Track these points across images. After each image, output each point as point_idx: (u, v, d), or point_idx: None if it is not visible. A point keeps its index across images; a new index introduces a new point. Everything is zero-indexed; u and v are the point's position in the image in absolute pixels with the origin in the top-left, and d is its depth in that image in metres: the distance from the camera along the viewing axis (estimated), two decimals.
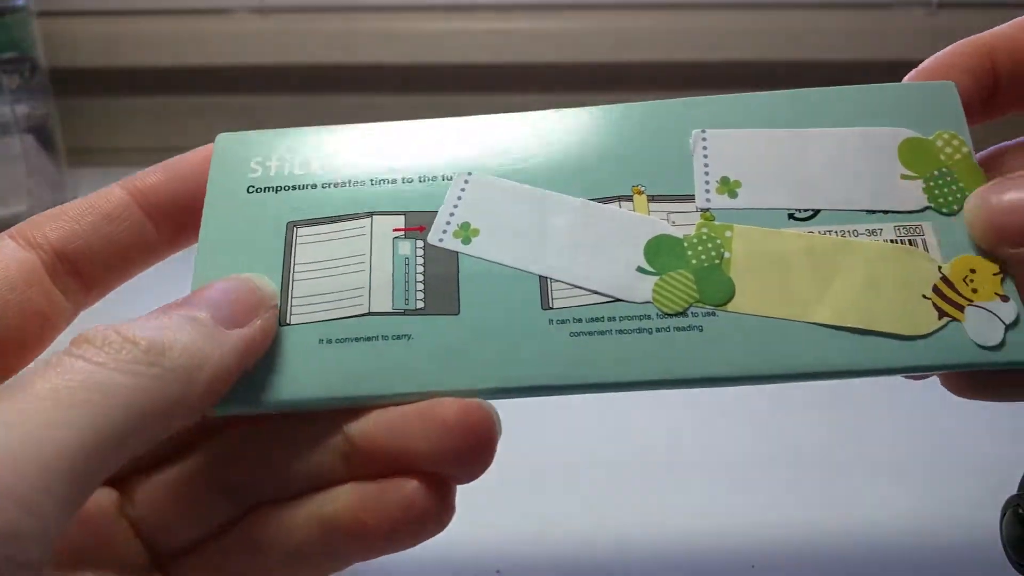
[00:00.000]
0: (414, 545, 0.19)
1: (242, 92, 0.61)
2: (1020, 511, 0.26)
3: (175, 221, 0.22)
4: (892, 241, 0.21)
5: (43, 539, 0.15)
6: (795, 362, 0.19)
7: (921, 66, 0.23)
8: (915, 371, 0.20)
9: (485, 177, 0.21)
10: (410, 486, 0.19)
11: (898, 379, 0.38)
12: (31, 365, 0.17)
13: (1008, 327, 0.19)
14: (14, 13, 0.51)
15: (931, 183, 0.21)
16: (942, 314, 0.20)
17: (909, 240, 0.21)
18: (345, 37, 0.58)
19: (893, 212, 0.21)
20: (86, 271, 0.21)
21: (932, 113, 0.22)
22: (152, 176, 0.21)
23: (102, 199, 0.21)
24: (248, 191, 0.21)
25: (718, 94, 0.23)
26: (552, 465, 0.32)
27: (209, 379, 0.18)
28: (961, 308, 0.20)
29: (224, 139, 0.22)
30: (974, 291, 0.20)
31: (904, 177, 0.21)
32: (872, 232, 0.21)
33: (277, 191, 0.21)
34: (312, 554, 0.19)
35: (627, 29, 0.57)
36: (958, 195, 0.21)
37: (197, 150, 0.22)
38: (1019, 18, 0.22)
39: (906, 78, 0.22)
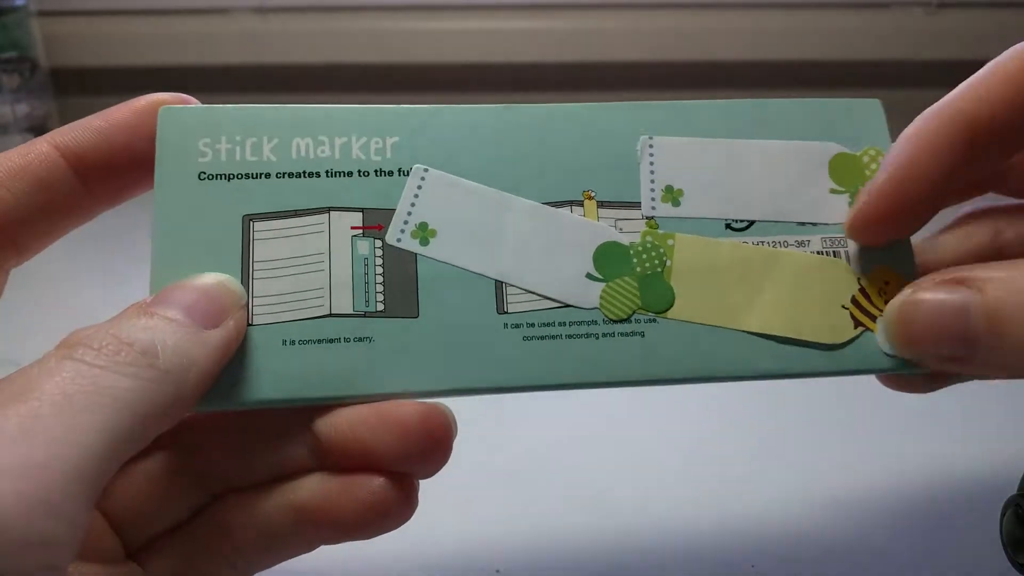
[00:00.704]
0: (379, 535, 0.20)
1: (242, 92, 0.61)
2: (1020, 511, 0.26)
3: (106, 181, 0.21)
4: (819, 252, 0.22)
5: (72, 544, 0.15)
6: (727, 367, 0.21)
7: (897, 149, 0.21)
8: (835, 375, 0.21)
9: (441, 175, 0.21)
10: (375, 483, 0.19)
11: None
12: (28, 367, 0.16)
13: None
14: (14, 13, 0.51)
15: (856, 197, 0.22)
16: (857, 323, 0.21)
17: (833, 252, 0.22)
18: (345, 37, 0.58)
19: (821, 224, 0.22)
20: (20, 240, 0.20)
21: (861, 129, 0.23)
22: (82, 134, 0.21)
23: (33, 161, 0.20)
24: (199, 178, 0.20)
25: (716, 96, 0.23)
26: (552, 465, 0.32)
27: (197, 380, 0.18)
28: (874, 318, 0.21)
29: (167, 113, 0.21)
30: (886, 302, 0.21)
31: (832, 191, 0.22)
32: (801, 243, 0.22)
33: (230, 179, 0.21)
34: (280, 537, 0.20)
35: (627, 29, 0.57)
36: None
37: (126, 104, 0.21)
38: (979, 78, 0.21)
39: (881, 168, 0.21)
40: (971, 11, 0.56)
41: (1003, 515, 0.26)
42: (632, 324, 0.21)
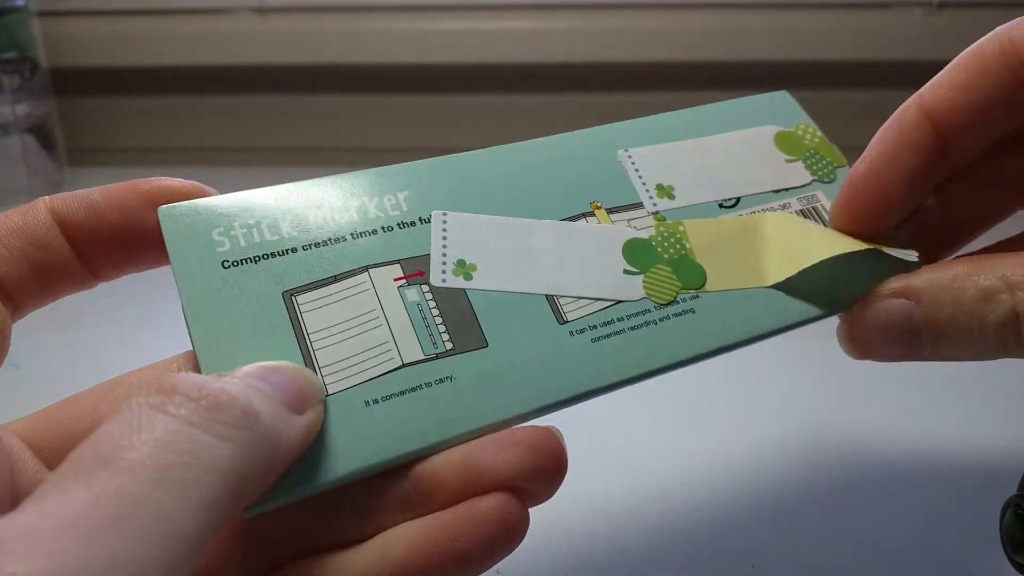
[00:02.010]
0: (497, 560, 0.18)
1: (242, 92, 0.61)
2: (1020, 511, 0.26)
3: (98, 255, 0.20)
4: (800, 211, 0.25)
5: None
6: (771, 322, 0.22)
7: (869, 155, 0.23)
8: (848, 306, 0.23)
9: (460, 215, 0.22)
10: (496, 498, 0.18)
11: (895, 378, 0.38)
12: (115, 419, 0.14)
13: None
14: (14, 13, 0.51)
15: (808, 162, 0.26)
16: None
17: (812, 207, 0.25)
18: (345, 37, 0.58)
19: (792, 188, 0.26)
20: (16, 297, 0.20)
21: (783, 113, 0.27)
22: (75, 205, 0.20)
23: (31, 220, 0.20)
24: (224, 266, 0.20)
25: (717, 96, 0.25)
26: None
27: (283, 459, 0.16)
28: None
29: (167, 212, 0.20)
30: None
31: (788, 161, 0.26)
32: (784, 206, 0.25)
33: (256, 261, 0.20)
34: None
35: (627, 29, 0.57)
36: (830, 167, 0.26)
37: (128, 184, 0.20)
38: (953, 67, 0.22)
39: (853, 169, 0.23)
40: (971, 11, 0.56)
41: (1003, 515, 0.26)
42: (680, 304, 0.22)
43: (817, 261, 0.22)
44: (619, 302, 0.22)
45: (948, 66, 0.22)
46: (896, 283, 0.22)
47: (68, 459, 0.14)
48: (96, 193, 0.20)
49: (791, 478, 0.32)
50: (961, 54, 0.22)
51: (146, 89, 0.61)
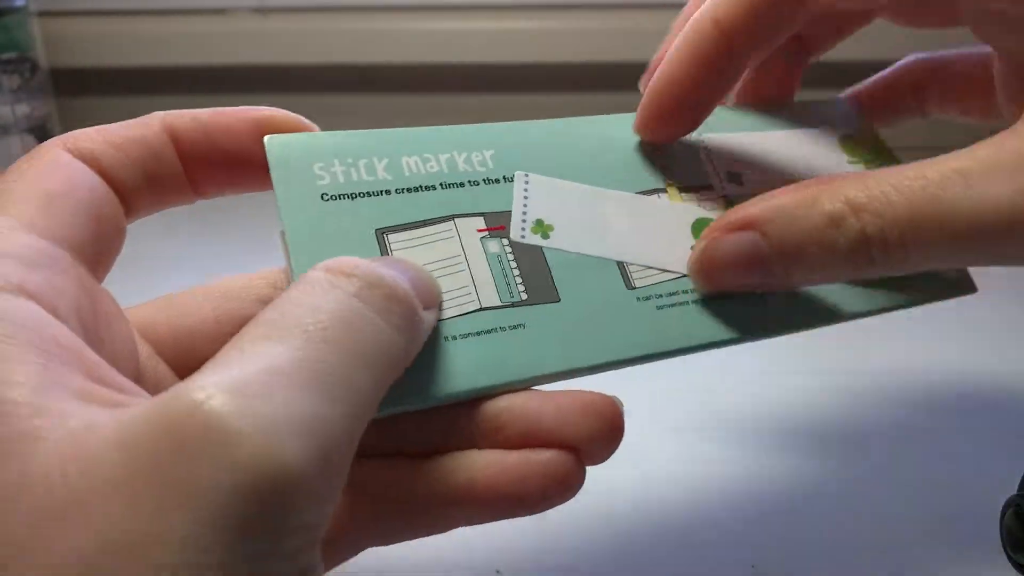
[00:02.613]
0: (543, 510, 0.20)
1: (242, 92, 0.61)
2: (1020, 511, 0.26)
3: (202, 172, 0.21)
4: None
5: (334, 505, 0.15)
6: (832, 310, 0.23)
7: (667, 65, 0.24)
8: (920, 303, 0.24)
9: (542, 178, 0.23)
10: (555, 454, 0.19)
11: (896, 378, 0.38)
12: (294, 292, 0.16)
13: None
14: (14, 13, 0.51)
15: (869, 166, 0.27)
16: None
17: None
18: (345, 37, 0.58)
19: None
20: (129, 201, 0.21)
21: (844, 116, 0.29)
22: (188, 122, 0.21)
23: (148, 132, 0.21)
24: (323, 199, 0.21)
25: None
26: None
27: (415, 353, 0.18)
28: None
29: (274, 141, 0.21)
30: None
31: (850, 162, 0.27)
32: None
33: (353, 198, 0.21)
34: (428, 510, 0.19)
35: (627, 29, 0.57)
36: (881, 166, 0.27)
37: (236, 110, 0.21)
38: None
39: (652, 80, 0.25)
40: None
41: (1003, 515, 0.26)
42: None
43: None
44: (685, 275, 0.23)
45: None
46: (736, 215, 0.22)
47: (262, 322, 0.15)
48: (207, 113, 0.21)
49: (791, 478, 0.32)
50: None
51: (146, 89, 0.61)
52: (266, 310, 0.16)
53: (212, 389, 0.13)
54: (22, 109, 0.52)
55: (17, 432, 0.13)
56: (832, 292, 0.23)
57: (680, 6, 0.28)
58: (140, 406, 0.14)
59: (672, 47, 0.24)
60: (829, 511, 0.30)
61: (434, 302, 0.20)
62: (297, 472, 0.13)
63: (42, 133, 0.53)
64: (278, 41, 0.59)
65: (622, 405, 0.20)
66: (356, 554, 0.20)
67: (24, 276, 0.16)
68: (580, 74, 0.59)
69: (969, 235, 0.19)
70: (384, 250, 0.21)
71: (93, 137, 0.20)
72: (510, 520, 0.25)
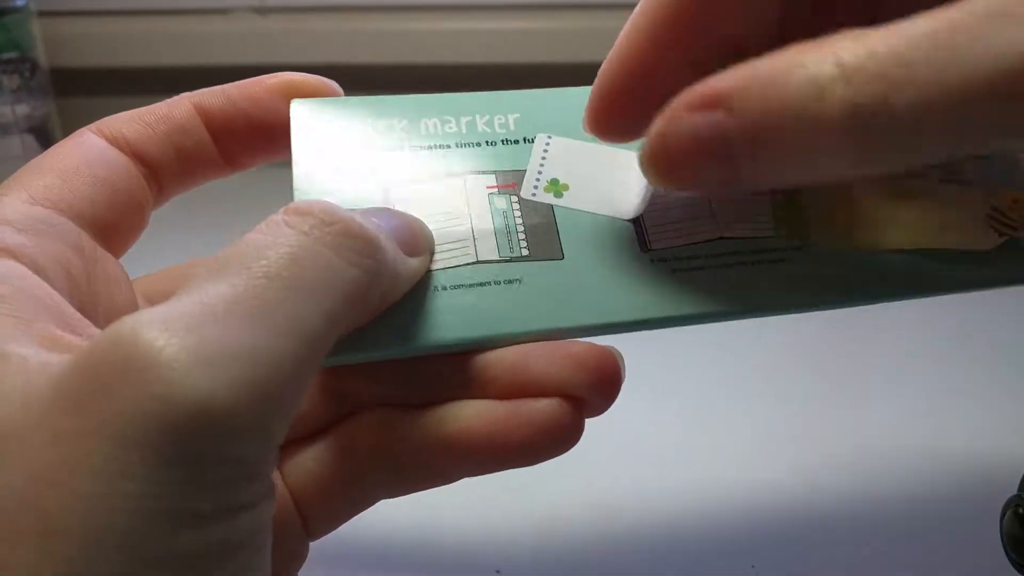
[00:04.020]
0: (540, 462, 0.19)
1: None
2: (1020, 511, 0.26)
3: (233, 144, 0.22)
4: (941, 181, 0.23)
5: (280, 439, 0.15)
6: (875, 287, 0.21)
7: (619, 48, 0.20)
8: (985, 287, 0.21)
9: (565, 140, 0.23)
10: (548, 403, 0.19)
11: (896, 378, 0.38)
12: (253, 234, 0.16)
13: None
14: (14, 13, 0.51)
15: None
16: (1001, 233, 0.22)
17: (958, 180, 0.23)
18: (345, 37, 0.58)
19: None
20: (160, 178, 0.21)
21: None
22: (214, 97, 0.22)
23: (174, 108, 0.21)
24: (336, 160, 0.21)
25: None
26: (551, 465, 0.32)
27: (392, 293, 0.18)
28: (1014, 228, 0.22)
29: (299, 104, 0.22)
30: (1021, 216, 0.22)
31: None
32: (922, 177, 0.23)
33: (366, 157, 0.22)
34: (423, 462, 0.19)
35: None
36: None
37: (258, 80, 0.22)
38: None
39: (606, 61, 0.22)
40: None
41: (1003, 515, 0.26)
42: (779, 252, 0.21)
43: (947, 247, 0.21)
44: (711, 240, 0.21)
45: None
46: (701, 88, 0.16)
47: (213, 260, 0.15)
48: (233, 86, 0.22)
49: (791, 477, 0.32)
50: None
51: (146, 89, 0.61)
52: (221, 251, 0.16)
53: (137, 321, 0.14)
54: (22, 109, 0.52)
55: None
56: (873, 267, 0.21)
57: None
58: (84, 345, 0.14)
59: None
60: (829, 511, 0.30)
61: (420, 249, 0.19)
62: (219, 402, 0.13)
63: (42, 133, 0.53)
64: (278, 41, 0.59)
65: (621, 357, 0.20)
66: (360, 510, 0.20)
67: (12, 239, 0.17)
68: (580, 74, 0.59)
69: (993, 84, 0.14)
70: (388, 201, 0.21)
71: (123, 119, 0.21)
72: (510, 520, 0.25)
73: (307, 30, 0.59)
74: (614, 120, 0.21)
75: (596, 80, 0.21)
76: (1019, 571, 0.26)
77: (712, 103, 0.16)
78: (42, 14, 0.56)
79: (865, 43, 0.15)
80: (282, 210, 0.17)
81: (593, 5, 0.58)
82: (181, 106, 0.21)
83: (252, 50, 0.59)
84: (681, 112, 0.17)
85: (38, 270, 0.17)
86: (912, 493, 0.31)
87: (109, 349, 0.13)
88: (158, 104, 0.21)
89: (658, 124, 0.17)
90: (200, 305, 0.14)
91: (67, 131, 0.21)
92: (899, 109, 0.14)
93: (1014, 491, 0.26)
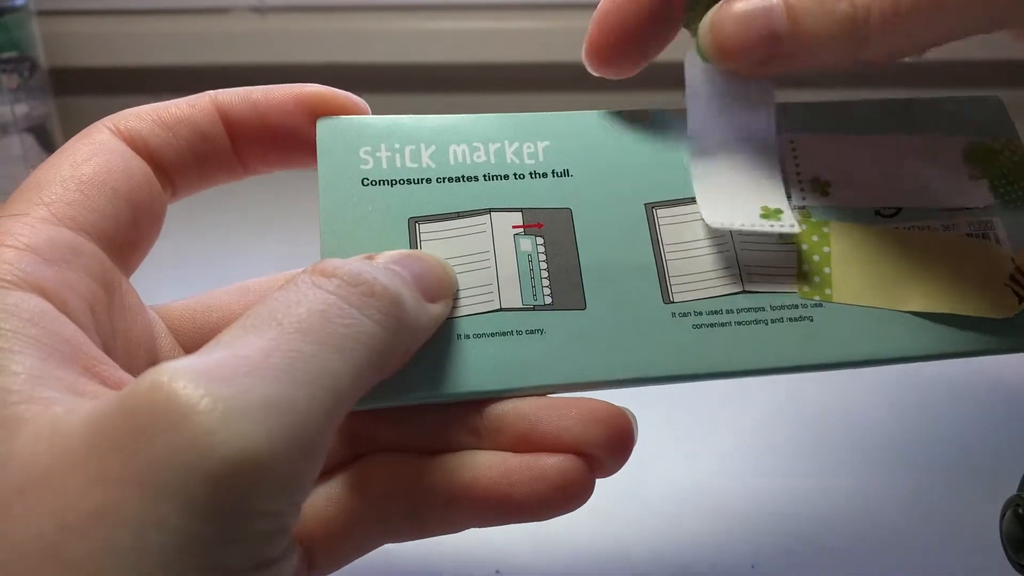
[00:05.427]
0: (548, 518, 0.19)
1: None
2: (1020, 511, 0.26)
3: (253, 150, 0.22)
4: (968, 235, 0.22)
5: (311, 486, 0.15)
6: (894, 349, 0.21)
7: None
8: (1002, 352, 0.21)
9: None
10: (561, 459, 0.19)
11: (896, 378, 0.38)
12: (279, 292, 0.16)
13: None
14: (14, 13, 0.50)
15: (996, 182, 0.23)
16: (1021, 299, 0.22)
17: (982, 234, 0.22)
18: (345, 37, 0.58)
19: (965, 209, 0.23)
20: (176, 180, 0.21)
21: (987, 122, 0.24)
22: (238, 101, 0.21)
23: (197, 112, 0.21)
24: (363, 183, 0.21)
25: None
26: None
27: (415, 347, 0.18)
28: None
29: (325, 124, 0.22)
30: None
31: (972, 178, 0.23)
32: (948, 227, 0.23)
33: (392, 184, 0.21)
34: (429, 510, 0.19)
35: None
36: (1020, 192, 0.23)
37: (288, 88, 0.22)
38: None
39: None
40: None
41: (1003, 515, 0.26)
42: (799, 309, 0.21)
43: (978, 315, 0.21)
44: (733, 294, 0.21)
45: None
46: None
47: (243, 317, 0.16)
48: (258, 92, 0.21)
49: (791, 477, 0.32)
50: None
51: (146, 89, 0.61)
52: (251, 309, 0.16)
53: (175, 371, 0.14)
54: (21, 109, 0.52)
55: (5, 416, 0.14)
56: (894, 326, 0.21)
57: None
58: (117, 392, 0.14)
59: None
60: (829, 511, 0.30)
61: (442, 295, 0.19)
62: (259, 453, 0.13)
63: (41, 133, 0.53)
64: (277, 41, 0.59)
65: (634, 418, 0.20)
66: (366, 552, 0.20)
67: (41, 273, 0.17)
68: (580, 74, 0.59)
69: None
70: (414, 239, 0.21)
71: (143, 117, 0.20)
72: None
73: (306, 30, 0.59)
74: (611, 49, 0.23)
75: (594, 14, 0.23)
76: (1019, 571, 0.26)
77: None
78: (42, 13, 0.55)
79: None
80: (307, 269, 0.17)
81: (593, 5, 0.58)
82: (203, 107, 0.21)
83: (251, 50, 0.59)
84: None
85: (65, 309, 0.17)
86: (912, 493, 0.31)
87: (147, 396, 0.13)
88: (179, 102, 0.21)
89: (715, 8, 0.21)
90: (235, 357, 0.14)
91: (67, 131, 0.21)
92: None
93: (1014, 491, 0.26)
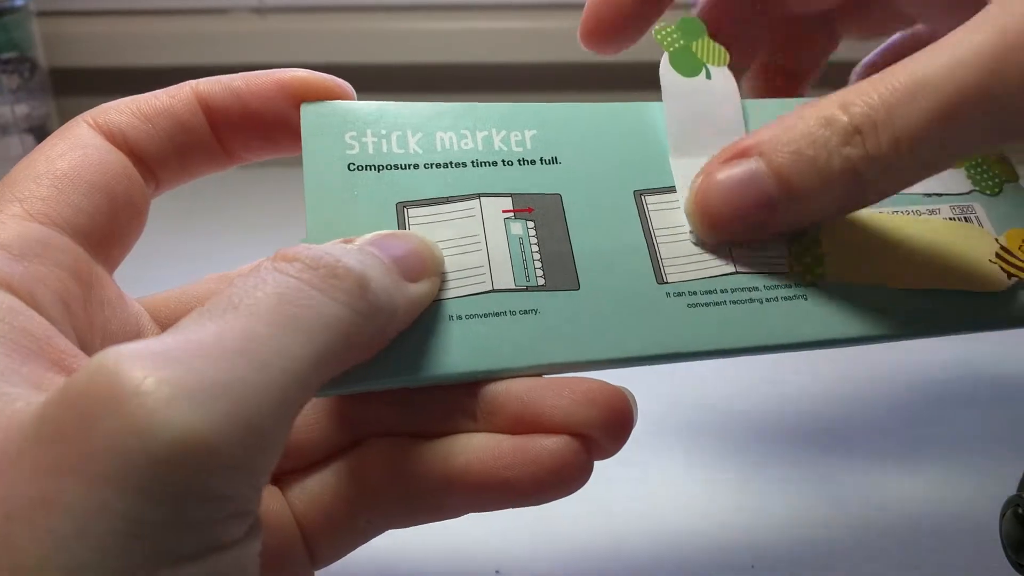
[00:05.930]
0: (544, 503, 0.19)
1: None
2: (1020, 511, 0.26)
3: (236, 139, 0.21)
4: (951, 219, 0.23)
5: (267, 472, 0.15)
6: (887, 325, 0.21)
7: None
8: (992, 328, 0.22)
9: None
10: (557, 441, 0.18)
11: (896, 379, 0.38)
12: (242, 277, 0.16)
13: None
14: (14, 13, 0.50)
15: (972, 171, 0.25)
16: (1009, 276, 0.22)
17: (964, 218, 0.24)
18: (344, 37, 0.58)
19: (946, 195, 0.24)
20: (158, 174, 0.21)
21: None
22: (219, 90, 0.21)
23: (177, 102, 0.21)
24: (349, 168, 0.21)
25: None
26: None
27: (393, 328, 0.18)
28: (1022, 270, 0.23)
29: (309, 109, 0.21)
30: None
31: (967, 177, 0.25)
32: (932, 211, 0.24)
33: (379, 170, 0.21)
34: (426, 494, 0.19)
35: None
36: (995, 180, 0.25)
37: (270, 74, 0.21)
38: None
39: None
40: None
41: (1003, 515, 0.26)
42: (793, 288, 0.21)
43: (956, 288, 0.22)
44: (726, 275, 0.21)
45: None
46: (731, 148, 0.21)
47: (204, 304, 0.15)
48: (239, 79, 0.21)
49: (791, 478, 0.32)
50: None
51: (145, 89, 0.61)
52: (214, 296, 0.16)
53: (120, 354, 0.13)
54: (21, 109, 0.52)
55: None
56: (887, 304, 0.22)
57: (685, 5, 0.28)
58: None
59: None
60: (829, 511, 0.30)
61: (425, 274, 0.19)
62: (204, 435, 0.13)
63: (41, 133, 0.53)
64: (277, 41, 0.59)
65: (633, 398, 0.19)
66: (367, 539, 0.20)
67: (9, 269, 0.16)
68: (579, 74, 0.59)
69: (951, 98, 0.18)
70: (403, 224, 0.20)
71: (122, 110, 0.20)
72: (510, 520, 0.25)
73: (306, 30, 0.59)
74: (605, 29, 0.24)
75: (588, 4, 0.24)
76: (1019, 571, 0.26)
77: (743, 154, 0.20)
78: (41, 14, 0.56)
79: (860, 87, 0.19)
80: (269, 257, 0.17)
81: None
82: (183, 97, 0.21)
83: (251, 50, 0.59)
84: (719, 164, 0.20)
85: (34, 303, 0.16)
86: (912, 493, 0.31)
87: (90, 381, 0.13)
88: (159, 93, 0.21)
89: (698, 180, 0.21)
90: (185, 340, 0.14)
91: None
92: (880, 121, 0.19)
93: (1014, 491, 0.26)
